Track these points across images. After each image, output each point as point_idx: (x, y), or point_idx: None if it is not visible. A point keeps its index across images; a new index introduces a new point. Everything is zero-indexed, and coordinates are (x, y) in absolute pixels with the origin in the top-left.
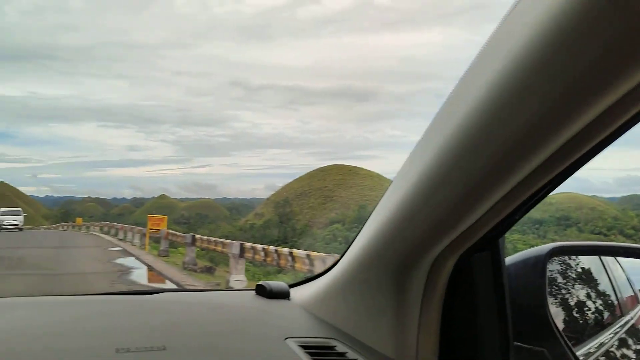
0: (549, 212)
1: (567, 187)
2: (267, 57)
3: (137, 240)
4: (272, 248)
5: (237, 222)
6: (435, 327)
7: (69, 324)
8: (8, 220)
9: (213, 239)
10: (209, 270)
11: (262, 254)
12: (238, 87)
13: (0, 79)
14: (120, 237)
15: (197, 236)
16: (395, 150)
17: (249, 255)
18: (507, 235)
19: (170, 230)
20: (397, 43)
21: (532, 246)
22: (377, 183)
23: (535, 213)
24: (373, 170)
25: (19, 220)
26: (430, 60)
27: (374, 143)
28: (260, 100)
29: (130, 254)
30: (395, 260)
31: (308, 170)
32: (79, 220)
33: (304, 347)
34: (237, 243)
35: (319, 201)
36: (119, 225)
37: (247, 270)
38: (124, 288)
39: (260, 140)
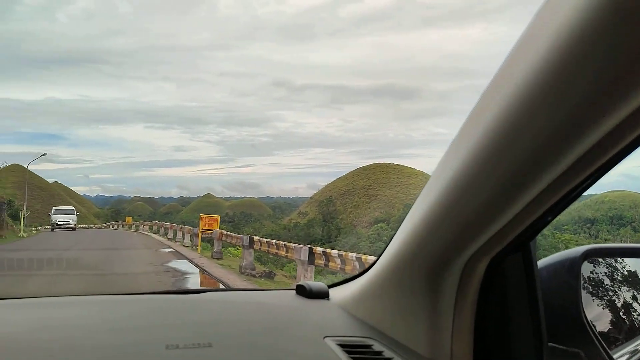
0: (602, 211)
1: (620, 185)
2: (309, 57)
3: (187, 241)
4: (351, 255)
5: (281, 221)
6: (469, 327)
7: (122, 321)
8: (61, 219)
9: (274, 241)
10: (268, 276)
11: (338, 261)
12: (281, 87)
13: (54, 82)
14: (170, 237)
15: (255, 238)
16: (440, 149)
17: (319, 262)
18: (557, 235)
19: (224, 231)
20: (439, 40)
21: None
22: (422, 181)
23: (587, 212)
24: (418, 168)
25: (72, 219)
26: (473, 57)
27: (418, 141)
28: (303, 100)
29: (182, 256)
30: (428, 262)
31: (350, 169)
32: (129, 219)
33: (342, 346)
34: (305, 248)
35: (363, 200)
36: (168, 224)
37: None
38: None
39: (303, 139)
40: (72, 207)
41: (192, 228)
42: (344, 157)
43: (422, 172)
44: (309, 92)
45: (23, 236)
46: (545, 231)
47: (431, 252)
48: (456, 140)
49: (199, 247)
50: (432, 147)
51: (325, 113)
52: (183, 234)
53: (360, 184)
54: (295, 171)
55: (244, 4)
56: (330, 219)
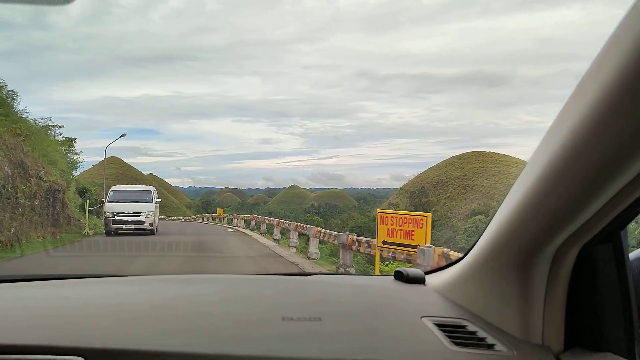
0: None
1: None
2: (393, 46)
3: (313, 250)
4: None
5: (369, 212)
6: (560, 313)
7: (244, 296)
8: (124, 209)
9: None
10: None
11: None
12: (365, 78)
13: (150, 80)
14: (276, 237)
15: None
16: (530, 137)
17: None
18: None
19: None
20: (531, 23)
21: None
22: (521, 171)
23: None
24: (516, 157)
25: (146, 211)
26: (568, 40)
27: (507, 130)
28: (387, 90)
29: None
30: (521, 249)
31: (436, 160)
32: (220, 211)
33: (438, 325)
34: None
35: (457, 191)
36: (272, 219)
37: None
38: None
39: (387, 130)
40: (151, 188)
41: (309, 226)
42: (430, 147)
43: (522, 161)
44: (393, 81)
45: (88, 234)
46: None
47: (524, 240)
48: (552, 127)
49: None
50: (522, 136)
51: (410, 103)
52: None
53: (454, 174)
54: (379, 162)
55: None
56: (424, 211)
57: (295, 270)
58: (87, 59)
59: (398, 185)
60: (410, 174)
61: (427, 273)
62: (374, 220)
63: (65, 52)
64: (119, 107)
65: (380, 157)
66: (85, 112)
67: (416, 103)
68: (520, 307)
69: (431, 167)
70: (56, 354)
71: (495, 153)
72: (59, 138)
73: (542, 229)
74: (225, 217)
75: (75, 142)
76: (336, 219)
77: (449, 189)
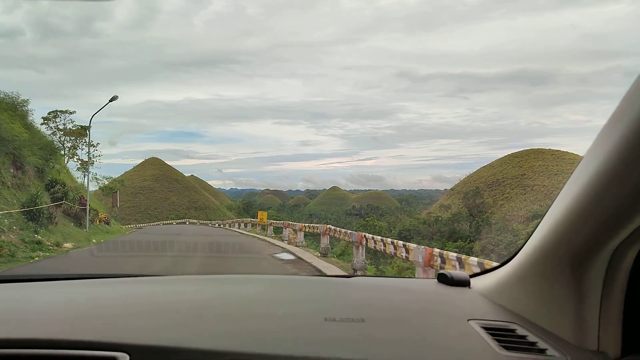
0: None
1: None
2: (433, 46)
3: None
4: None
5: (418, 214)
6: (617, 317)
7: (287, 297)
8: None
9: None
10: None
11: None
12: (405, 78)
13: (192, 83)
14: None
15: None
16: (577, 137)
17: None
18: None
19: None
20: (578, 19)
21: None
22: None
23: None
24: (579, 153)
25: None
26: (617, 36)
27: (552, 129)
28: (428, 90)
29: None
30: (574, 250)
31: (478, 161)
32: (263, 216)
33: (486, 329)
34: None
35: (515, 191)
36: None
37: None
38: None
39: (428, 130)
40: None
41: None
42: (472, 148)
43: None
44: (434, 81)
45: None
46: None
47: (577, 241)
48: (607, 126)
49: None
50: (568, 135)
51: (451, 103)
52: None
53: (511, 173)
54: (420, 163)
55: None
56: (478, 212)
57: None
58: (131, 64)
59: (440, 186)
60: (452, 175)
61: (471, 276)
62: (424, 222)
63: (111, 57)
64: (162, 110)
65: (421, 158)
66: (129, 115)
67: (458, 103)
68: (574, 312)
69: (484, 166)
70: (102, 349)
71: (557, 150)
72: (70, 126)
73: (598, 231)
74: (271, 224)
75: (89, 130)
76: (382, 221)
77: (506, 189)
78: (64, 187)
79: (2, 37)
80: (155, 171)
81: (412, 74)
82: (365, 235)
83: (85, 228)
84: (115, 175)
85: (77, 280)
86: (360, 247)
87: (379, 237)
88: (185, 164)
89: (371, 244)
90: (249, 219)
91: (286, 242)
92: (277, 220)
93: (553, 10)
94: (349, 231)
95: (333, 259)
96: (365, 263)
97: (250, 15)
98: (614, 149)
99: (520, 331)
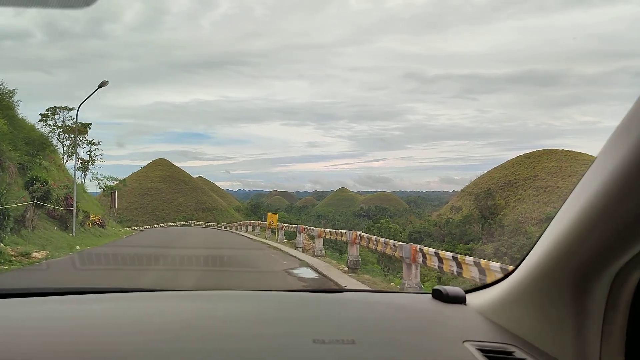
0: None
1: None
2: (441, 47)
3: None
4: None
5: (428, 216)
6: (619, 341)
7: (273, 314)
8: None
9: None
10: None
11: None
12: (412, 79)
13: (200, 85)
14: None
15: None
16: (585, 139)
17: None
18: None
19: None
20: (587, 20)
21: None
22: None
23: None
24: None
25: None
26: (628, 36)
27: (561, 131)
28: (436, 91)
29: None
30: (577, 269)
31: (487, 162)
32: (273, 218)
33: (482, 351)
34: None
35: (528, 192)
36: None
37: None
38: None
39: (436, 132)
40: None
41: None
42: (480, 149)
43: None
44: (442, 82)
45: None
46: None
47: (582, 259)
48: (618, 131)
49: None
50: (577, 136)
51: (459, 104)
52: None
53: (523, 174)
54: (427, 165)
55: None
56: (490, 214)
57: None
58: (139, 65)
59: (448, 188)
60: (460, 176)
61: (467, 292)
62: (435, 224)
63: (119, 59)
64: (170, 112)
65: (429, 160)
66: (138, 117)
67: (465, 104)
68: (575, 333)
69: (496, 167)
70: None
71: (570, 151)
72: (69, 123)
73: (604, 247)
74: (283, 227)
75: (89, 128)
76: (393, 223)
77: (519, 190)
78: (43, 186)
79: (12, 39)
80: (162, 172)
81: (419, 75)
82: (421, 250)
83: (72, 232)
84: (122, 176)
85: (54, 296)
86: (413, 266)
87: (433, 250)
88: (193, 165)
89: (433, 263)
90: (257, 222)
91: (300, 249)
92: (287, 223)
93: (561, 11)
94: (394, 242)
95: (366, 276)
96: (420, 287)
97: (258, 16)
98: (628, 156)
99: (519, 354)
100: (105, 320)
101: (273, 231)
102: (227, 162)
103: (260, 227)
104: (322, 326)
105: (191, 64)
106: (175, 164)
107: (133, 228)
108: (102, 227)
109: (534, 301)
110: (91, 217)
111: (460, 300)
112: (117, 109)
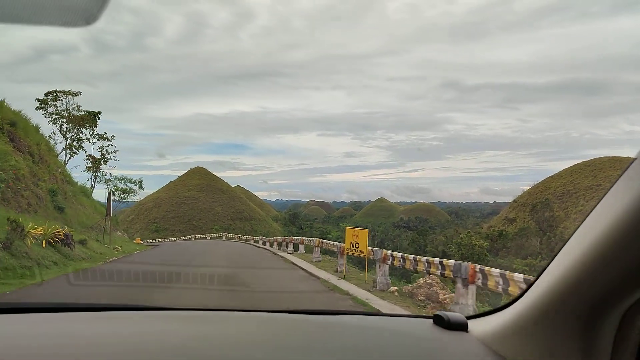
0: None
1: None
2: (481, 56)
3: None
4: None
5: (479, 229)
6: None
7: (266, 339)
8: None
9: None
10: None
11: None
12: (451, 89)
13: (239, 96)
14: None
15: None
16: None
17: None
18: None
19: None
20: (634, 26)
21: None
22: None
23: None
24: None
25: None
26: None
27: (607, 140)
28: (475, 101)
29: None
30: (586, 304)
31: (528, 174)
32: (361, 239)
33: None
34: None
35: (590, 203)
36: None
37: None
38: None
39: (475, 142)
40: None
41: None
42: (521, 159)
43: None
44: (481, 92)
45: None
46: None
47: (591, 292)
48: (637, 161)
49: None
50: (624, 146)
51: (500, 113)
52: None
53: (583, 184)
54: (467, 175)
55: (412, 8)
56: (549, 227)
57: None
58: (180, 77)
59: (489, 199)
60: (500, 187)
61: (469, 318)
62: (487, 237)
63: (161, 72)
64: (210, 123)
65: (468, 170)
66: (179, 128)
67: (506, 114)
68: None
69: (552, 176)
70: None
71: (635, 159)
72: (75, 112)
73: (616, 282)
74: (320, 244)
75: (99, 117)
76: (440, 235)
77: (580, 201)
78: None
79: (59, 54)
80: (200, 181)
81: (458, 85)
82: (482, 270)
83: None
84: (160, 186)
85: (43, 313)
86: (470, 287)
87: (497, 271)
88: (232, 176)
89: (497, 283)
90: (301, 239)
91: (341, 274)
92: (325, 237)
93: (607, 18)
94: (441, 260)
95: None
96: (475, 309)
97: (297, 28)
98: None
99: None
100: (88, 340)
101: (332, 253)
102: (264, 172)
103: (305, 245)
104: (317, 352)
105: (230, 75)
106: (214, 173)
107: (149, 241)
108: (68, 247)
109: (540, 333)
110: (36, 230)
111: (462, 327)
112: (159, 121)
